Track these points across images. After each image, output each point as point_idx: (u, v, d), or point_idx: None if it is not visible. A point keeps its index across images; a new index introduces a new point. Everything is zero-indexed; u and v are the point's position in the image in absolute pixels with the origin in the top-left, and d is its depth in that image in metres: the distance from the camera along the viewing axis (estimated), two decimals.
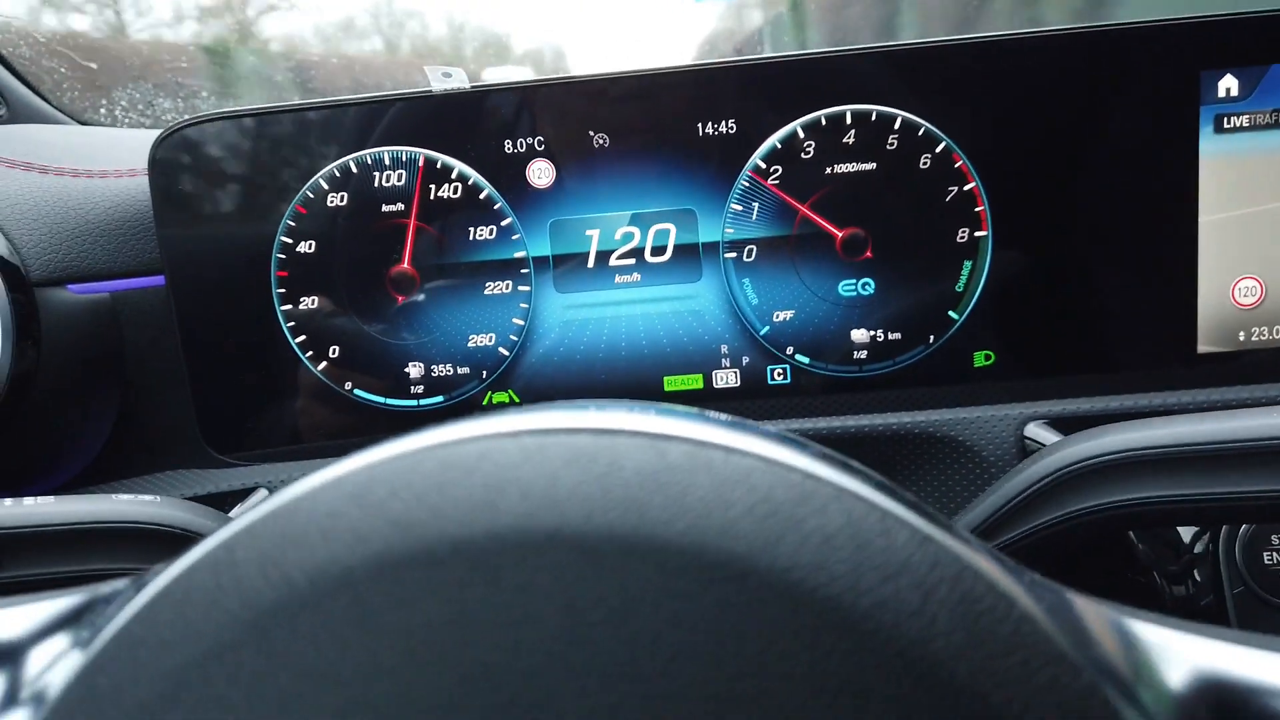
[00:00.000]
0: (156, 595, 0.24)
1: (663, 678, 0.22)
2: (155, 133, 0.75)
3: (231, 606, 0.23)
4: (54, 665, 0.26)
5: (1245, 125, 0.72)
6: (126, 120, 1.22)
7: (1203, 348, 0.75)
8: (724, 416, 0.28)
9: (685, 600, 0.22)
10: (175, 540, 0.50)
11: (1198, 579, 0.66)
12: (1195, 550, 0.65)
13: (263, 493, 0.73)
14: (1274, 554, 0.64)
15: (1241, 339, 0.75)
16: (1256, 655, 0.27)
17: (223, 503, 0.73)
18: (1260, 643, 0.28)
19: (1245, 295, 0.74)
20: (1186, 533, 0.67)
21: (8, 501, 0.47)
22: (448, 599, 0.22)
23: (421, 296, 0.76)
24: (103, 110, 1.22)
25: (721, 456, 0.24)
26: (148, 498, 0.51)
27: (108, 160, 0.83)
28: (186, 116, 0.75)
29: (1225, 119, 0.72)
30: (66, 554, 0.47)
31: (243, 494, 0.74)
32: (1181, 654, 0.27)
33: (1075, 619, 0.26)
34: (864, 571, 0.23)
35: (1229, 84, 0.72)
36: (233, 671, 0.22)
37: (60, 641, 0.28)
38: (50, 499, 0.48)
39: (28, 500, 0.48)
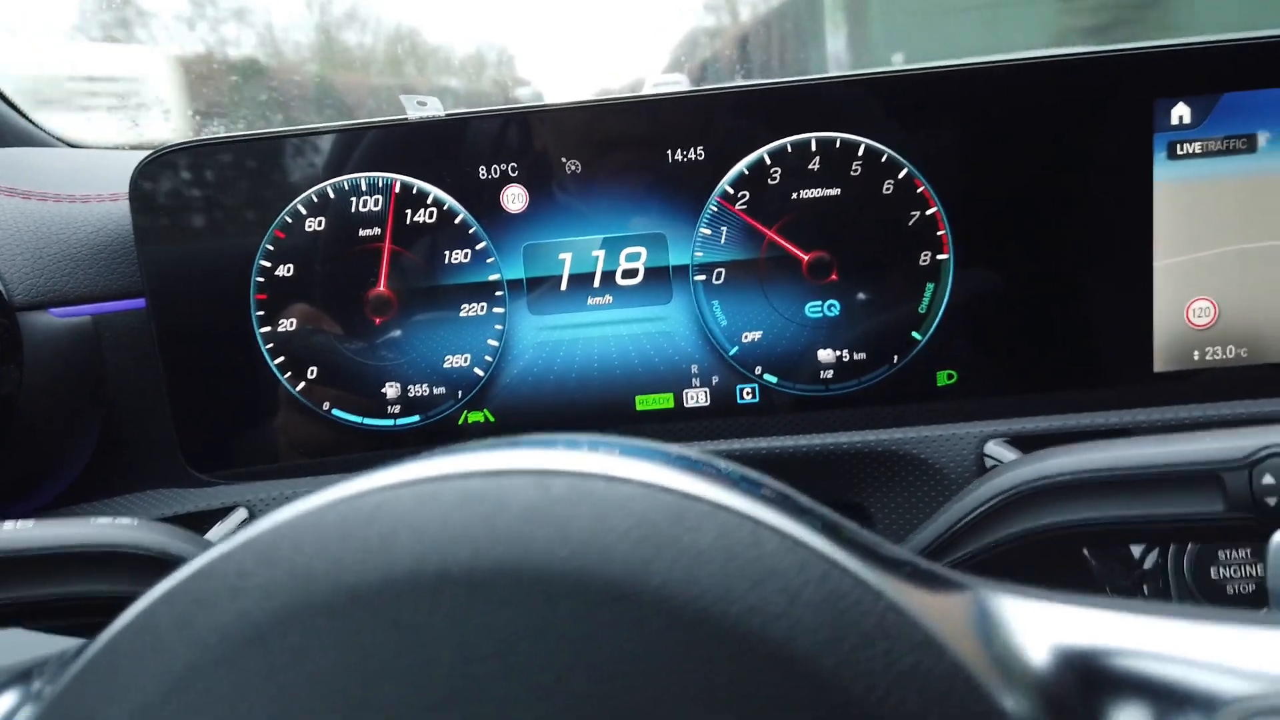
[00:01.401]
0: (87, 663, 0.26)
1: (552, 700, 0.24)
2: (140, 155, 0.77)
3: (152, 670, 0.25)
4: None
5: (1198, 152, 0.75)
6: (111, 140, 1.24)
7: (1159, 367, 0.77)
8: (625, 442, 0.30)
9: (570, 625, 0.24)
10: (153, 563, 0.51)
11: (1146, 593, 0.68)
12: (1145, 566, 0.67)
13: (242, 512, 0.75)
14: (1221, 569, 0.66)
15: (1196, 358, 0.77)
16: (1115, 618, 0.29)
17: (203, 521, 0.74)
18: (1117, 606, 0.30)
19: (1199, 316, 0.76)
20: (1137, 548, 0.69)
21: None
22: (349, 644, 0.24)
23: (398, 318, 0.77)
24: (87, 132, 1.23)
25: (603, 486, 0.26)
26: (125, 521, 0.52)
27: (93, 183, 0.85)
28: (171, 141, 0.77)
29: (1178, 145, 0.75)
30: (45, 579, 0.48)
31: (222, 513, 0.75)
32: (1044, 625, 0.29)
33: (946, 602, 0.28)
34: (733, 581, 0.24)
35: (1181, 112, 0.74)
36: None
37: (10, 698, 0.30)
38: (29, 523, 0.50)
39: (5, 525, 0.49)
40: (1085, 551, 0.69)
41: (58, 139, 1.09)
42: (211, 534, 0.72)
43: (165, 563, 0.52)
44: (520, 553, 0.25)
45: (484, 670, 0.24)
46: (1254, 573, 0.66)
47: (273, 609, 0.24)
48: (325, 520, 0.26)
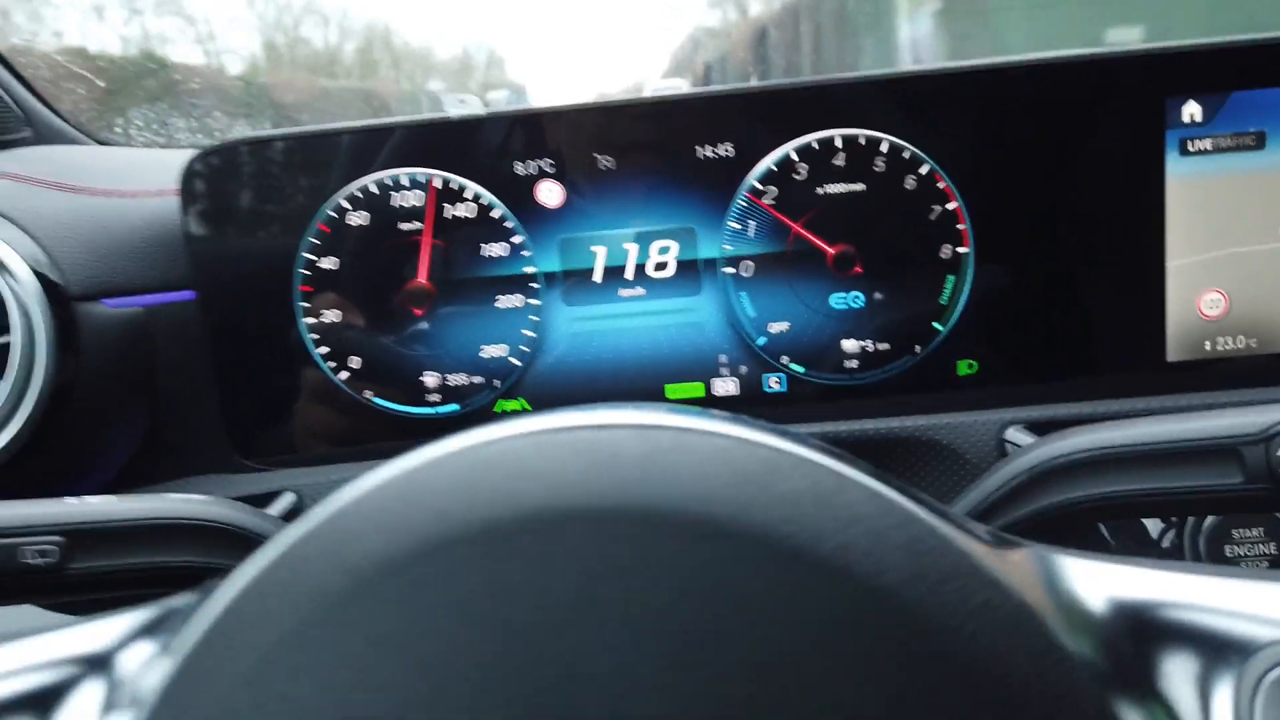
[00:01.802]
0: (245, 588, 0.28)
1: (665, 626, 0.26)
2: (172, 153, 0.80)
3: (308, 594, 0.27)
4: (144, 672, 0.30)
5: (1208, 148, 0.77)
6: (141, 139, 1.26)
7: (1171, 356, 0.80)
8: (709, 411, 0.33)
9: (678, 559, 0.27)
10: (225, 535, 0.54)
11: None
12: (1163, 545, 0.70)
13: (290, 496, 0.77)
14: (1234, 547, 0.69)
15: (1208, 348, 0.80)
16: (1162, 576, 0.32)
17: (255, 505, 0.77)
18: (1164, 566, 0.33)
19: (1210, 307, 0.79)
20: (1154, 528, 0.72)
21: (73, 501, 0.52)
22: (484, 574, 0.27)
23: (437, 310, 0.80)
24: (118, 130, 1.26)
25: (701, 439, 0.29)
26: (199, 497, 0.55)
27: (128, 179, 0.87)
28: (198, 138, 0.80)
29: (1189, 142, 0.77)
30: (131, 548, 0.51)
31: (268, 497, 0.78)
32: (1099, 580, 0.32)
33: (1008, 556, 0.31)
34: (824, 523, 0.27)
35: (1192, 110, 0.77)
36: (311, 652, 0.27)
37: (145, 648, 0.32)
38: (112, 498, 0.53)
39: (90, 499, 0.52)
40: (1104, 532, 0.72)
41: (90, 137, 1.11)
42: (271, 509, 0.75)
43: (235, 535, 0.55)
44: (635, 495, 0.28)
45: (603, 598, 0.26)
46: (1267, 550, 0.69)
47: (415, 541, 0.27)
48: (455, 465, 0.29)
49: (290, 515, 0.75)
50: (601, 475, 0.28)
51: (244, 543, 0.55)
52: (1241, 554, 0.69)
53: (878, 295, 0.80)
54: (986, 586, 0.27)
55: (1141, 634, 0.31)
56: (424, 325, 0.81)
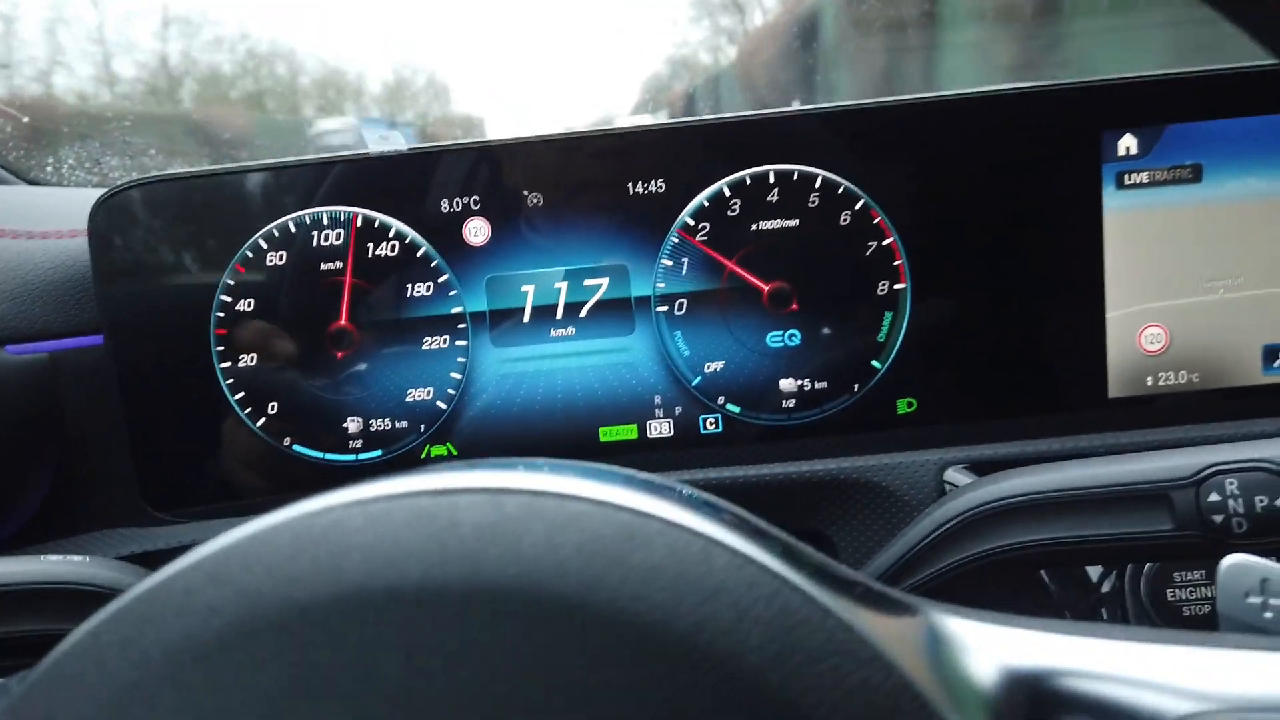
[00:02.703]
0: (31, 685, 0.25)
1: (498, 714, 0.24)
2: (94, 192, 0.77)
3: (96, 690, 0.24)
4: None
5: (1145, 182, 0.76)
6: (74, 178, 1.23)
7: (1114, 393, 0.78)
8: (567, 463, 0.30)
9: (519, 642, 0.24)
10: (104, 599, 0.51)
11: (1104, 616, 0.68)
12: (1103, 589, 0.68)
13: None
14: (1177, 590, 0.67)
15: (1149, 384, 0.78)
16: (1062, 640, 0.30)
17: (162, 561, 0.73)
18: (1064, 628, 0.30)
19: (1151, 342, 0.78)
20: (1094, 571, 0.70)
21: None
22: (296, 662, 0.24)
23: (360, 352, 0.77)
24: (49, 169, 1.23)
25: (555, 504, 0.27)
26: (76, 558, 0.52)
27: (53, 220, 0.84)
28: (132, 176, 0.77)
29: (1126, 176, 0.76)
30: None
31: (180, 551, 0.74)
32: (993, 647, 0.29)
33: (897, 624, 0.28)
34: (683, 597, 0.25)
35: (1128, 143, 0.76)
36: None
37: None
38: None
39: None
40: (1044, 576, 0.70)
41: (16, 176, 1.08)
42: None
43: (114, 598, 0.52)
44: (470, 569, 0.25)
45: (433, 687, 0.24)
46: (1209, 594, 0.67)
47: (219, 626, 0.24)
48: (275, 539, 0.26)
49: None
50: (435, 548, 0.25)
51: None
52: (1183, 598, 0.67)
53: (814, 333, 0.78)
54: (864, 665, 0.25)
55: (1039, 707, 0.28)
56: (346, 368, 0.78)
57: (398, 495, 0.27)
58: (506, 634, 0.24)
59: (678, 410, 0.79)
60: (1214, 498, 0.45)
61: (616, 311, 0.78)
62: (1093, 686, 0.28)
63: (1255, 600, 0.37)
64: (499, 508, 0.26)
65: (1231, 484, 0.44)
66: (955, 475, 0.74)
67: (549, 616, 0.24)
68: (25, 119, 1.22)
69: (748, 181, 0.76)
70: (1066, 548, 0.49)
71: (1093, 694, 0.28)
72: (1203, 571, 0.67)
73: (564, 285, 0.78)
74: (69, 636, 0.26)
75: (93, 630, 0.25)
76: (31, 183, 1.12)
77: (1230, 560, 0.38)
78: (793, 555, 0.28)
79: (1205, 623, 0.67)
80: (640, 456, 0.79)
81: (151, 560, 0.73)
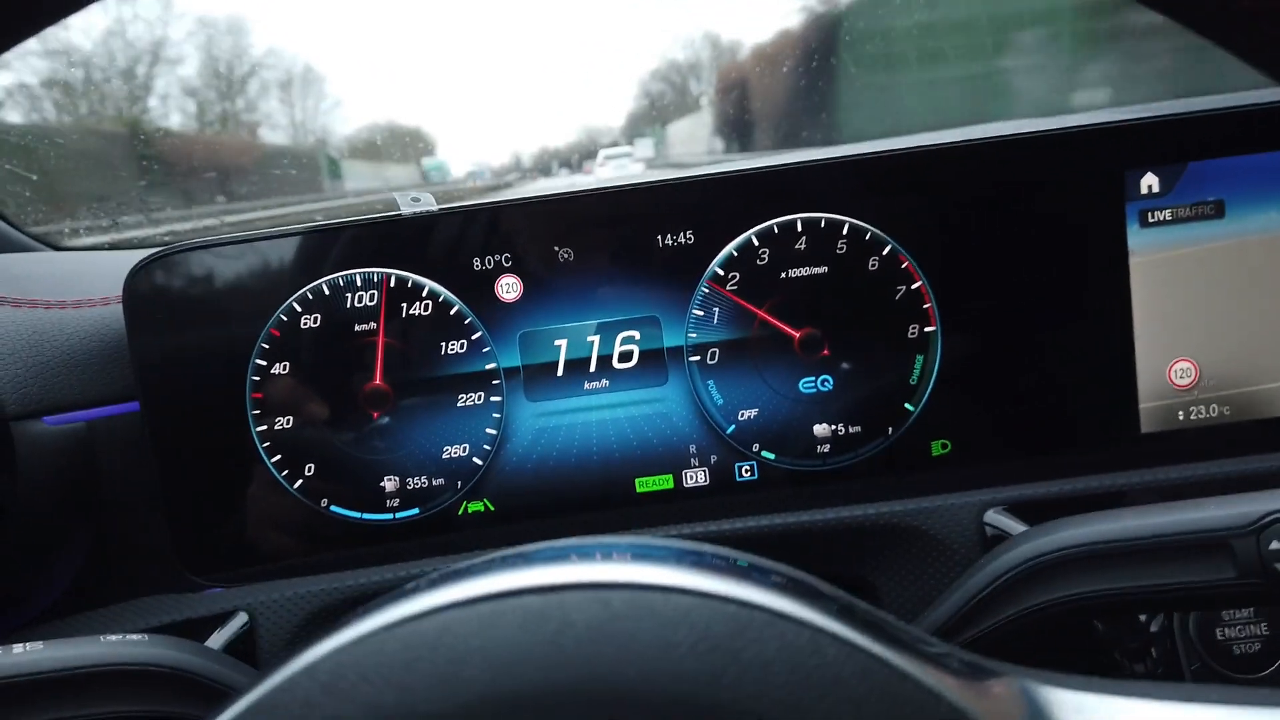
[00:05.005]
0: None
1: None
2: (127, 255, 0.77)
3: None
4: None
5: (1168, 219, 0.77)
6: (90, 240, 1.24)
7: (1146, 428, 0.79)
8: (667, 545, 0.30)
9: None
10: (165, 680, 0.50)
11: (1155, 655, 0.68)
12: (1152, 629, 0.68)
13: (242, 616, 0.73)
14: (1226, 629, 0.67)
15: (1181, 418, 0.79)
16: (1162, 709, 0.29)
17: (203, 628, 0.73)
18: (1167, 692, 0.30)
19: (1181, 377, 0.78)
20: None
21: None
22: None
23: (395, 411, 0.78)
24: (66, 230, 1.23)
25: (661, 599, 0.27)
26: (135, 637, 0.51)
27: (82, 287, 0.85)
28: (159, 236, 0.77)
29: (1149, 214, 0.77)
30: (60, 700, 0.47)
31: (223, 618, 0.74)
32: (1095, 717, 0.29)
33: (988, 692, 0.28)
34: (800, 692, 0.25)
35: (1150, 181, 0.77)
36: None
37: None
38: (39, 644, 0.49)
39: (16, 647, 0.48)
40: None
41: (43, 242, 1.09)
42: (211, 640, 0.71)
43: (177, 679, 0.51)
44: (589, 673, 0.25)
45: None
46: (1259, 631, 0.67)
47: None
48: (388, 644, 0.26)
49: (236, 643, 0.71)
50: (553, 651, 0.25)
51: (185, 686, 0.51)
52: (1233, 635, 0.67)
53: (846, 378, 0.78)
54: None
55: None
56: (382, 427, 0.78)
57: (504, 593, 0.27)
58: None
59: (713, 459, 0.80)
60: (1275, 545, 0.45)
61: (649, 363, 0.78)
62: None
63: None
64: (607, 605, 0.27)
65: None
66: (996, 518, 0.74)
67: (670, 716, 0.24)
68: (34, 177, 1.23)
69: (776, 230, 0.77)
70: (1126, 598, 0.49)
71: None
72: (1251, 609, 0.67)
73: (596, 338, 0.78)
74: None
75: None
76: (53, 247, 1.12)
77: None
78: (893, 635, 0.28)
79: (1256, 661, 0.67)
80: (676, 506, 0.79)
81: (195, 626, 0.73)
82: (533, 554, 0.30)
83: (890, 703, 0.25)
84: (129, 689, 0.49)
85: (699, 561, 0.29)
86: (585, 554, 0.30)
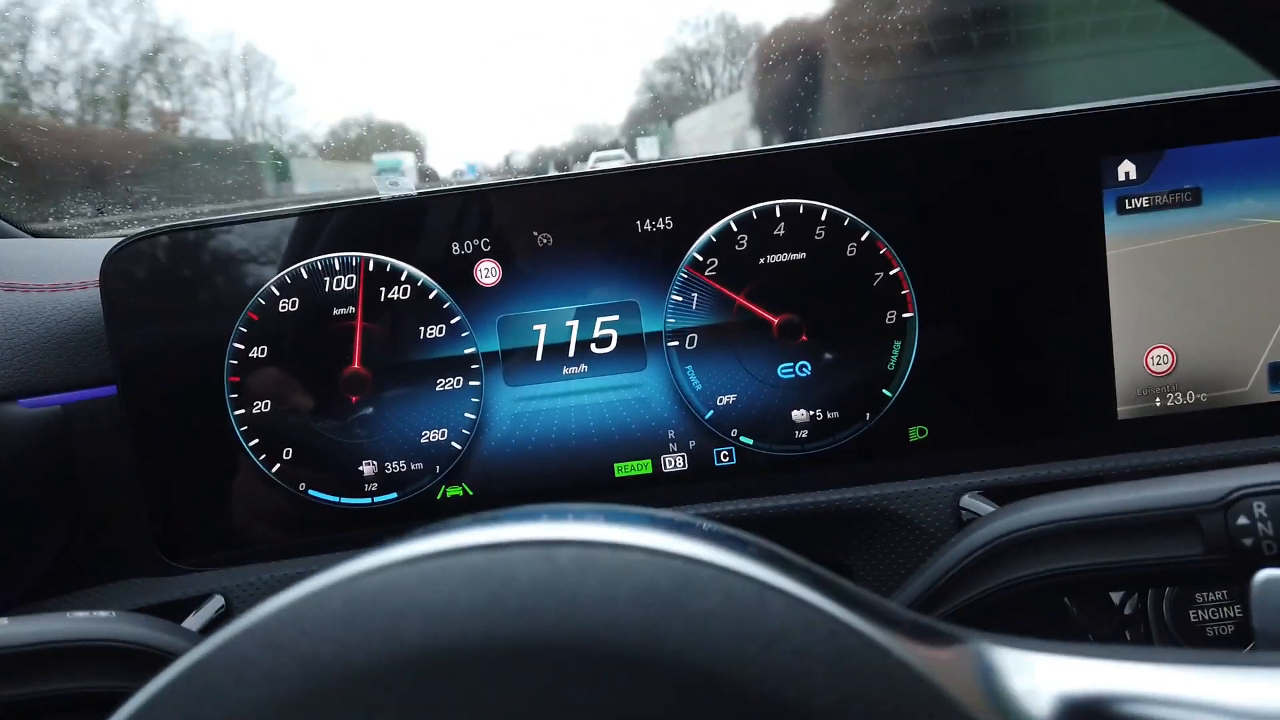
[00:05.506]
0: None
1: None
2: (106, 241, 0.77)
3: None
4: None
5: (1145, 206, 0.78)
6: (75, 227, 1.23)
7: (1123, 414, 0.79)
8: (618, 509, 0.30)
9: (584, 695, 0.24)
10: (133, 656, 0.50)
11: (1128, 638, 0.68)
12: (1125, 611, 0.68)
13: (218, 599, 0.73)
14: (1199, 611, 0.67)
15: (1158, 404, 0.79)
16: (1115, 666, 0.30)
17: (180, 610, 0.73)
18: (1117, 653, 0.30)
19: (1158, 363, 0.79)
20: (1117, 594, 0.70)
21: None
22: None
23: (373, 395, 0.78)
24: (50, 220, 1.23)
25: (608, 554, 0.27)
26: (102, 614, 0.51)
27: (59, 272, 0.84)
28: (141, 229, 0.77)
29: (1126, 201, 0.78)
30: (23, 677, 0.47)
31: (199, 600, 0.74)
32: (1046, 675, 0.29)
33: (945, 655, 0.28)
34: (744, 644, 0.25)
35: (1127, 168, 0.77)
36: None
37: None
38: (4, 620, 0.49)
39: None
40: (1066, 599, 0.70)
41: (21, 228, 1.08)
42: (188, 622, 0.71)
43: (145, 655, 0.51)
44: (530, 627, 0.25)
45: None
46: (1231, 614, 0.67)
47: (280, 695, 0.24)
48: (329, 602, 0.26)
49: (211, 626, 0.71)
50: (494, 606, 0.25)
51: (156, 663, 0.51)
52: (1206, 618, 0.67)
53: (825, 363, 0.78)
54: (927, 703, 0.25)
55: None
56: (360, 412, 0.78)
57: (448, 551, 0.27)
58: (572, 689, 0.24)
59: (691, 444, 0.80)
60: (1242, 521, 0.45)
61: (628, 348, 0.78)
62: (1152, 711, 0.28)
63: None
64: (552, 561, 0.27)
65: (1259, 507, 0.45)
66: (972, 502, 0.74)
67: (614, 670, 0.24)
68: (15, 163, 1.22)
69: (754, 216, 0.77)
70: (1095, 574, 0.49)
71: (1152, 718, 0.28)
72: (1224, 592, 0.67)
73: (575, 323, 0.78)
74: (120, 712, 0.26)
75: (148, 703, 0.25)
76: (34, 234, 1.12)
77: (1264, 575, 0.38)
78: (840, 592, 0.28)
79: (1230, 643, 0.67)
80: (655, 491, 0.80)
81: (171, 610, 0.73)
82: (486, 518, 0.30)
83: (836, 654, 0.25)
84: (94, 665, 0.49)
85: (650, 521, 0.29)
86: (533, 516, 0.30)
